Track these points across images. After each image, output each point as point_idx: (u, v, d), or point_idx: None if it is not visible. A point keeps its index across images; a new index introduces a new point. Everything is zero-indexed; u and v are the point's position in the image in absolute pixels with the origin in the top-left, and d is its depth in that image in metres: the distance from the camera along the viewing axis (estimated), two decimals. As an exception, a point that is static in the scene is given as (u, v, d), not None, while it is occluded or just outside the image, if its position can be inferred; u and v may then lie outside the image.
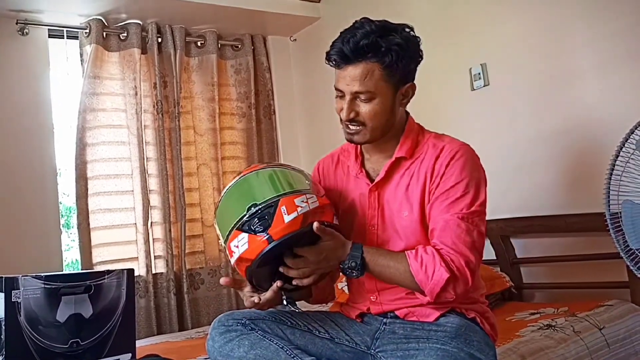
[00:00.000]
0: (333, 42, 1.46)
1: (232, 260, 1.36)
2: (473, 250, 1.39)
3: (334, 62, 1.46)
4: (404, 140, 1.53)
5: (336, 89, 1.49)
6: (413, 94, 1.53)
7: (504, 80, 2.71)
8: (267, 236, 1.29)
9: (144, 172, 3.18)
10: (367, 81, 1.42)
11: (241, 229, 1.32)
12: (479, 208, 1.43)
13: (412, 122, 1.58)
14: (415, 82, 1.52)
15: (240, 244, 1.32)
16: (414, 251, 1.41)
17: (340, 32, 1.46)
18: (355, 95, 1.44)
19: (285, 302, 1.41)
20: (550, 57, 2.52)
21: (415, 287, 1.40)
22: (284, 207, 1.30)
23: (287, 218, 1.30)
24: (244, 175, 1.42)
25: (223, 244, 1.39)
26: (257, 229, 1.30)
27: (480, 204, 1.44)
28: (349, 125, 1.49)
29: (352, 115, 1.46)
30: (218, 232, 1.42)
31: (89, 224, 3.04)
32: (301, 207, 1.32)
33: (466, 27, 2.85)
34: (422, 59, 1.50)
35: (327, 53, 1.47)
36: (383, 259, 1.41)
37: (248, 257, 1.32)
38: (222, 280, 1.43)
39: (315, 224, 1.31)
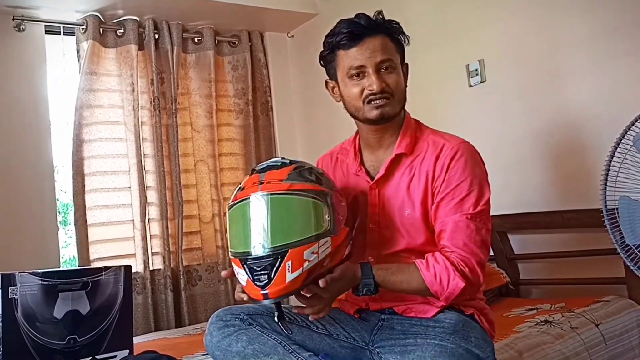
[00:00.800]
0: (334, 30, 1.49)
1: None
2: (483, 249, 1.41)
3: (347, 40, 1.46)
4: (403, 136, 1.53)
5: (353, 68, 1.47)
6: (408, 74, 1.57)
7: (501, 77, 2.71)
8: (264, 292, 1.22)
9: (141, 169, 3.18)
10: (388, 50, 1.47)
11: (242, 264, 1.26)
12: (484, 207, 1.44)
13: (410, 118, 1.58)
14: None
15: (240, 276, 1.28)
16: (424, 262, 1.39)
17: (338, 22, 1.50)
18: (378, 66, 1.46)
19: (276, 319, 1.34)
20: (546, 54, 2.52)
21: (429, 295, 1.41)
22: (289, 263, 1.21)
23: (290, 277, 1.21)
24: (264, 193, 1.27)
25: (229, 248, 1.36)
26: (256, 277, 1.23)
27: (486, 202, 1.45)
28: (378, 99, 1.46)
29: (383, 85, 1.46)
30: (228, 230, 1.37)
31: (86, 221, 3.04)
32: (309, 261, 1.23)
33: (463, 24, 2.85)
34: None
35: (330, 41, 1.49)
36: (395, 277, 1.39)
37: (245, 290, 1.29)
38: (224, 274, 1.40)
39: (321, 282, 1.25)
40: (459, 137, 1.52)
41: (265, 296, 1.22)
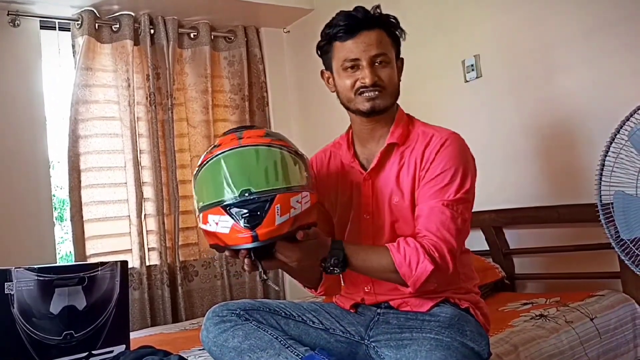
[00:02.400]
0: (332, 22, 1.51)
1: (203, 228, 1.29)
2: (457, 238, 1.41)
3: (343, 32, 1.48)
4: (396, 127, 1.55)
5: (348, 61, 1.49)
6: (402, 68, 1.59)
7: (496, 72, 2.71)
8: (253, 234, 1.20)
9: (137, 165, 3.17)
10: (383, 44, 1.49)
11: (226, 210, 1.23)
12: (464, 195, 1.44)
13: (402, 111, 1.60)
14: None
15: (221, 224, 1.24)
16: (395, 244, 1.40)
17: (336, 14, 1.52)
18: (372, 60, 1.48)
19: (260, 278, 1.32)
20: (542, 49, 2.52)
21: (397, 280, 1.40)
22: (278, 207, 1.22)
23: (279, 220, 1.22)
24: (246, 146, 1.28)
25: (196, 207, 1.31)
26: (244, 220, 1.21)
27: (466, 192, 1.45)
28: (370, 91, 1.48)
29: (375, 78, 1.48)
30: (195, 192, 1.33)
31: (82, 217, 3.04)
32: (295, 208, 1.24)
33: (459, 19, 2.85)
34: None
35: (327, 32, 1.51)
36: (364, 254, 1.41)
37: (224, 240, 1.25)
38: (246, 266, 1.32)
39: (299, 234, 1.26)
40: (449, 129, 1.54)
41: (255, 238, 1.20)
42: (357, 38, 1.48)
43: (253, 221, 1.20)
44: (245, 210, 1.21)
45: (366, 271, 1.44)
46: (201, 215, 1.28)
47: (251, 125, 1.39)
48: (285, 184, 1.25)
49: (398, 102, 1.59)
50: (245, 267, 1.31)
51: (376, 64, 1.49)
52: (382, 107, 1.50)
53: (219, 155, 1.28)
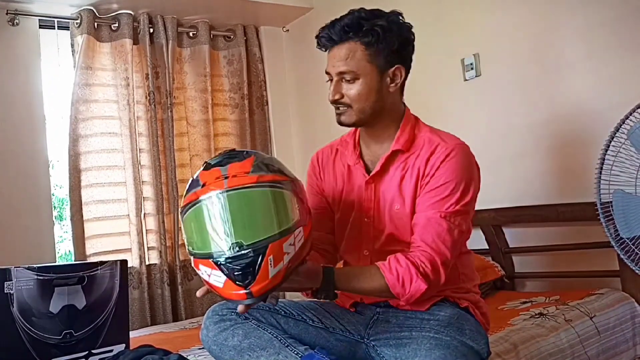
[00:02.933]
0: (321, 28, 1.50)
1: (196, 271, 1.22)
2: (452, 250, 1.40)
3: (322, 46, 1.50)
4: (401, 133, 1.52)
5: (326, 73, 1.51)
6: (403, 77, 1.52)
7: (496, 71, 2.71)
8: (247, 291, 1.14)
9: (136, 164, 3.17)
10: (350, 61, 1.45)
11: (218, 265, 1.15)
12: (462, 208, 1.43)
13: (410, 114, 1.57)
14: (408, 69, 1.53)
15: (213, 278, 1.17)
16: (386, 264, 1.38)
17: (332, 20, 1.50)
18: (340, 77, 1.47)
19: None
20: (541, 47, 2.52)
21: (390, 297, 1.42)
22: (271, 258, 1.14)
23: (272, 271, 1.15)
24: (232, 189, 1.16)
25: (187, 246, 1.24)
26: (237, 278, 1.14)
27: (465, 204, 1.43)
28: (335, 107, 1.51)
29: (337, 96, 1.48)
30: (183, 230, 1.24)
31: (82, 216, 3.04)
32: (288, 253, 1.17)
33: (458, 18, 2.85)
34: (411, 44, 1.51)
35: (317, 37, 1.51)
36: (356, 280, 1.39)
37: (219, 292, 1.20)
38: (199, 294, 1.29)
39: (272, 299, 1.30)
40: (456, 138, 1.51)
41: (249, 295, 1.15)
42: (330, 52, 1.49)
43: (245, 279, 1.14)
44: (238, 267, 1.14)
45: (359, 293, 1.46)
46: (192, 259, 1.23)
47: (234, 152, 1.26)
48: (278, 229, 1.17)
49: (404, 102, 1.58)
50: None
51: (344, 80, 1.47)
52: (348, 124, 1.52)
53: (203, 202, 1.17)
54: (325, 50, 1.50)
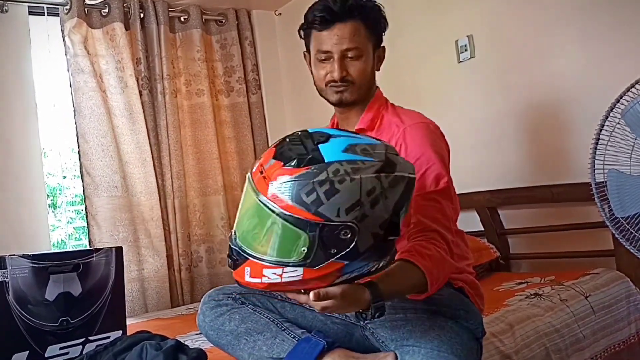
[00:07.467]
0: (312, 7, 1.50)
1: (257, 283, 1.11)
2: (452, 228, 1.40)
3: (318, 24, 1.48)
4: (367, 112, 1.55)
5: (321, 52, 1.49)
6: (384, 57, 1.59)
7: (490, 53, 2.70)
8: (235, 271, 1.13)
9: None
10: (356, 38, 1.47)
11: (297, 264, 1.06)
12: (446, 185, 1.41)
13: (380, 95, 1.60)
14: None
15: (288, 274, 1.07)
16: (412, 252, 1.25)
17: (317, 1, 1.50)
18: (344, 54, 1.47)
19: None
20: (535, 29, 2.51)
21: (424, 291, 1.26)
22: (248, 269, 1.10)
23: (248, 279, 1.11)
24: (265, 205, 1.06)
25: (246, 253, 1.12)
26: (229, 257, 1.14)
27: (448, 180, 1.42)
28: (338, 85, 1.49)
29: (343, 73, 1.48)
30: (242, 238, 1.12)
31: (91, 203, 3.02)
32: (269, 278, 1.09)
33: (452, -1, 2.83)
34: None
35: (307, 17, 1.51)
36: (398, 286, 1.22)
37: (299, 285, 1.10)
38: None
39: (312, 295, 1.06)
40: (419, 117, 1.52)
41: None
42: (331, 30, 1.47)
43: (230, 263, 1.14)
44: (230, 251, 1.14)
45: (401, 295, 1.34)
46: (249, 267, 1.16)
47: (302, 153, 1.08)
48: (260, 254, 1.08)
49: (381, 85, 1.60)
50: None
51: (347, 58, 1.48)
52: (349, 101, 1.52)
53: (248, 188, 1.11)
54: (320, 30, 1.49)
